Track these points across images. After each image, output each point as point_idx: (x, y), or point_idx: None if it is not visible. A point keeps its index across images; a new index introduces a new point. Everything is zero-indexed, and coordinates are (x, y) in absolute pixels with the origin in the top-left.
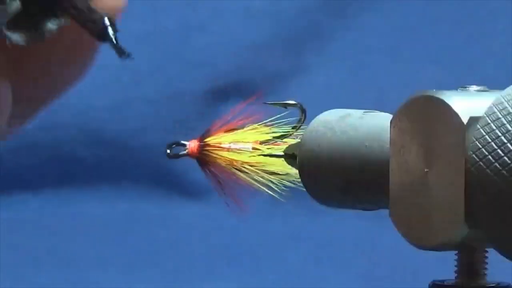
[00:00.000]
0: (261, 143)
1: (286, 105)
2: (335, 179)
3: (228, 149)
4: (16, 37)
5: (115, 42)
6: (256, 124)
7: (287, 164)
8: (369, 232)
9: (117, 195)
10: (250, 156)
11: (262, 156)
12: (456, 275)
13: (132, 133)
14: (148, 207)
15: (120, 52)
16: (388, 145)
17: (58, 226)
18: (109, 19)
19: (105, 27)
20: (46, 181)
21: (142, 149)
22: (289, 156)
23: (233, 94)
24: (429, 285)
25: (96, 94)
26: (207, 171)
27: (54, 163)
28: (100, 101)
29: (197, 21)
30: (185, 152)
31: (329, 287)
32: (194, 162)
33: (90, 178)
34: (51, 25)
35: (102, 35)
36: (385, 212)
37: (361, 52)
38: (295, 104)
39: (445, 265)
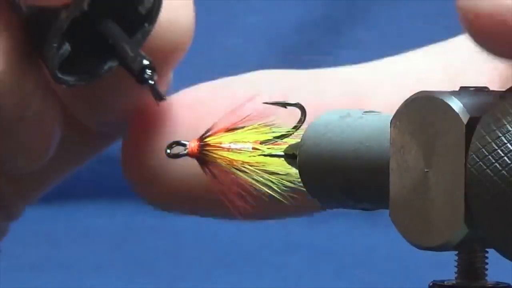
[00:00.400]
0: (261, 143)
1: (286, 105)
2: (335, 179)
3: (228, 149)
4: (67, 79)
5: (153, 86)
6: (256, 124)
7: (287, 164)
8: (367, 239)
9: (114, 208)
10: (250, 156)
11: (262, 156)
12: (456, 275)
13: None
14: (145, 218)
15: (157, 95)
16: (388, 145)
17: (56, 236)
18: (149, 63)
19: (144, 71)
20: (44, 194)
21: None
22: (289, 156)
23: None
24: (429, 285)
25: None
26: (207, 171)
27: None
28: None
29: (194, 39)
30: (185, 152)
31: None
32: None
33: (88, 192)
34: (103, 67)
35: (141, 78)
36: (382, 219)
37: None
38: (295, 103)
39: (445, 265)
